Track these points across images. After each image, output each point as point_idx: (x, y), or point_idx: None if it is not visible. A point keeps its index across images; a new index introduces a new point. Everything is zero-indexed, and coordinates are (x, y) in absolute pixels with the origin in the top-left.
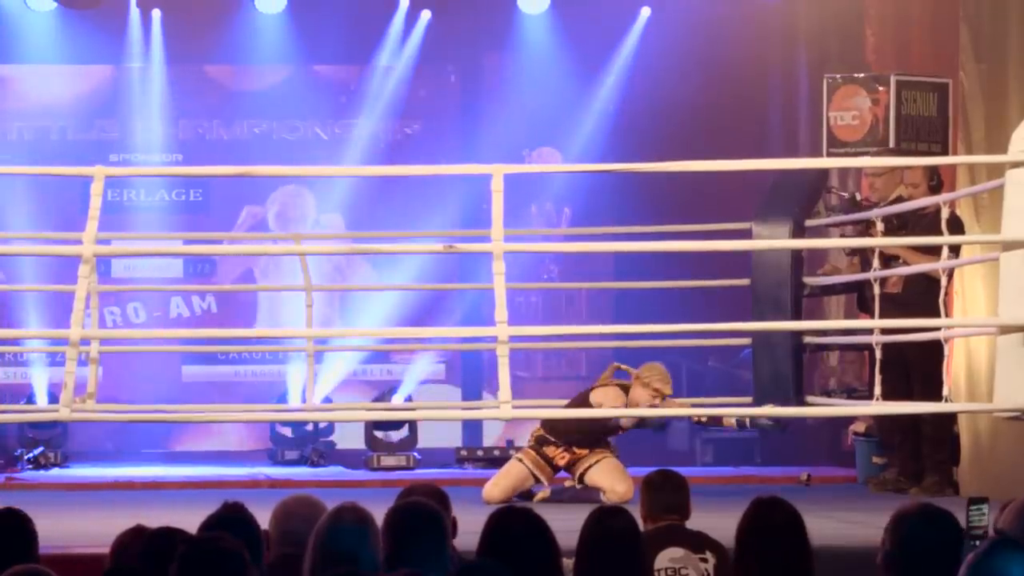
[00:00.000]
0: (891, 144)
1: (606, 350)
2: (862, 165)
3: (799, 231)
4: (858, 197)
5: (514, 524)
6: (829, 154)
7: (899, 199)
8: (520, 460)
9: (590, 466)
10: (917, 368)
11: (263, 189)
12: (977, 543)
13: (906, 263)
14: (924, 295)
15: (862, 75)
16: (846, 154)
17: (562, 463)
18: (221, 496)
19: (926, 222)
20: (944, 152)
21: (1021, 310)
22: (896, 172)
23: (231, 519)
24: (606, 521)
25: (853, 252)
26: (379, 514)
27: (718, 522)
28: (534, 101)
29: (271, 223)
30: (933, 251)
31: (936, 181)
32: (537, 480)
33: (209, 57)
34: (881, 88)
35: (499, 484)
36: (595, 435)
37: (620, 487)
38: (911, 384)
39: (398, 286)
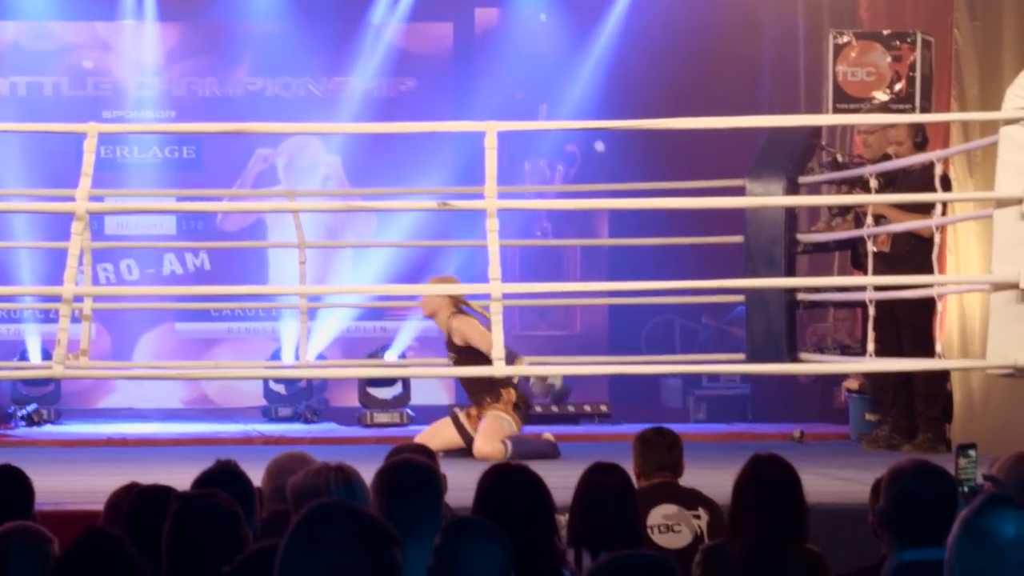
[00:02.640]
0: (917, 101)
1: (601, 307)
2: (854, 122)
3: (793, 188)
4: (840, 158)
5: (509, 481)
6: (836, 110)
7: (887, 157)
8: (454, 419)
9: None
10: (906, 324)
11: (275, 138)
12: (966, 490)
13: (879, 222)
14: (911, 252)
15: (887, 32)
16: (858, 110)
17: (475, 425)
18: (215, 453)
19: (912, 180)
20: (932, 109)
21: (1014, 267)
22: (889, 129)
23: (224, 476)
24: (600, 478)
25: (837, 213)
26: (373, 470)
27: (711, 479)
28: (528, 57)
29: (280, 174)
30: (916, 209)
31: (921, 138)
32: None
33: (202, 14)
34: (904, 45)
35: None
36: (478, 389)
37: (485, 448)
38: (901, 341)
39: (392, 243)
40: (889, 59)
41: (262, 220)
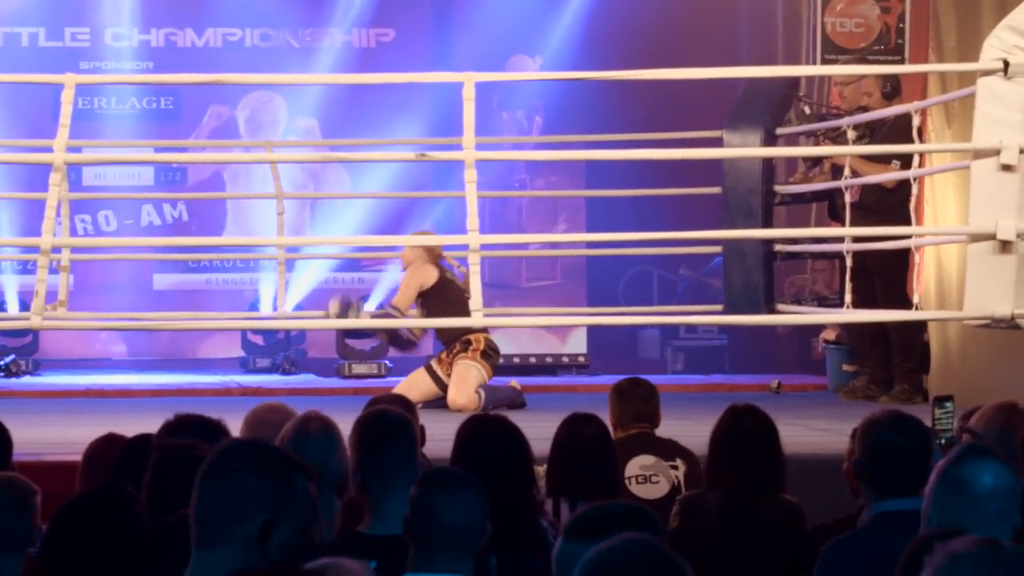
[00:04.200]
0: (906, 53)
1: (579, 258)
2: (829, 73)
3: (770, 139)
4: (807, 111)
5: (488, 431)
6: (825, 61)
7: (863, 108)
8: (428, 368)
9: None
10: (877, 275)
11: (233, 95)
12: (943, 441)
13: (856, 173)
14: (878, 203)
15: None
16: (847, 61)
17: (449, 372)
18: (192, 404)
19: (882, 131)
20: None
21: (991, 218)
22: (861, 80)
23: (204, 427)
24: (578, 428)
25: (812, 165)
26: (350, 421)
27: (688, 430)
28: (507, 8)
29: (241, 129)
30: (880, 160)
31: (890, 88)
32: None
33: None
34: None
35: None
36: (447, 335)
37: (459, 399)
38: (875, 291)
39: (370, 194)
40: (878, 11)
41: (218, 176)
